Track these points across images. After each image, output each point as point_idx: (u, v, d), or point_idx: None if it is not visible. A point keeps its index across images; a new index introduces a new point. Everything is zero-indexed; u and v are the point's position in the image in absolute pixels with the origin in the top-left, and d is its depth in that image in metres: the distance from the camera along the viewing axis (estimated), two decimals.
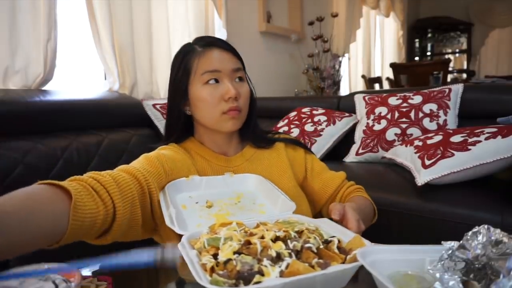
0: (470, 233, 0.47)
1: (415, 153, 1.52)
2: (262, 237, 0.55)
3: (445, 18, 6.58)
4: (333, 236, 0.58)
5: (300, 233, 0.58)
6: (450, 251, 0.47)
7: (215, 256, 0.52)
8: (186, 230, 0.67)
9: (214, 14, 2.65)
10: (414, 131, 1.81)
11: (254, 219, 0.67)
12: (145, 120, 1.99)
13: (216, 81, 0.87)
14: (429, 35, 7.11)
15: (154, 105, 2.01)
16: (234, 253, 0.52)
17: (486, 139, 1.36)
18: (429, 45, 7.17)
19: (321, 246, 0.54)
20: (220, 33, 2.70)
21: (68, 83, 2.02)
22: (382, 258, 0.51)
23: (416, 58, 6.95)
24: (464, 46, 6.89)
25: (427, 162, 1.42)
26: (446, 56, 7.03)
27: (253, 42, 3.16)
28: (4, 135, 1.52)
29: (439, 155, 1.41)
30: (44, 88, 1.77)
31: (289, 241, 0.54)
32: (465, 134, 1.45)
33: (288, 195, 0.86)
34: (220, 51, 0.88)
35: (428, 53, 7.18)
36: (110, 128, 1.89)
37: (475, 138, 1.40)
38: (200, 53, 0.88)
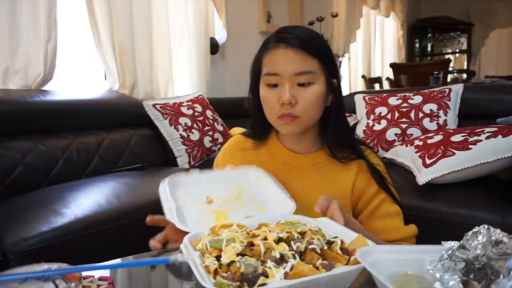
0: (470, 233, 0.47)
1: (416, 152, 1.52)
2: (265, 239, 0.54)
3: (445, 18, 6.57)
4: (336, 237, 0.57)
5: (303, 234, 0.57)
6: (450, 251, 0.47)
7: (218, 258, 0.52)
8: (186, 226, 0.68)
9: (214, 14, 2.65)
10: (414, 131, 1.81)
11: (254, 220, 0.67)
12: (145, 120, 1.99)
13: (276, 84, 0.82)
14: (429, 35, 7.10)
15: (154, 105, 2.01)
16: (237, 254, 0.51)
17: (486, 138, 1.36)
18: (429, 45, 7.16)
19: (325, 247, 0.54)
20: (220, 33, 2.70)
21: (68, 83, 2.02)
22: (382, 258, 0.51)
23: (416, 58, 6.94)
24: (464, 46, 6.88)
25: (428, 161, 1.42)
26: (446, 56, 7.03)
27: (253, 42, 3.15)
28: (4, 135, 1.52)
29: (440, 154, 1.41)
30: (44, 88, 1.77)
31: (292, 242, 0.54)
32: (465, 134, 1.45)
33: None
34: (285, 51, 0.81)
35: (428, 53, 7.18)
36: (110, 128, 1.88)
37: (475, 138, 1.40)
38: (268, 51, 0.84)
